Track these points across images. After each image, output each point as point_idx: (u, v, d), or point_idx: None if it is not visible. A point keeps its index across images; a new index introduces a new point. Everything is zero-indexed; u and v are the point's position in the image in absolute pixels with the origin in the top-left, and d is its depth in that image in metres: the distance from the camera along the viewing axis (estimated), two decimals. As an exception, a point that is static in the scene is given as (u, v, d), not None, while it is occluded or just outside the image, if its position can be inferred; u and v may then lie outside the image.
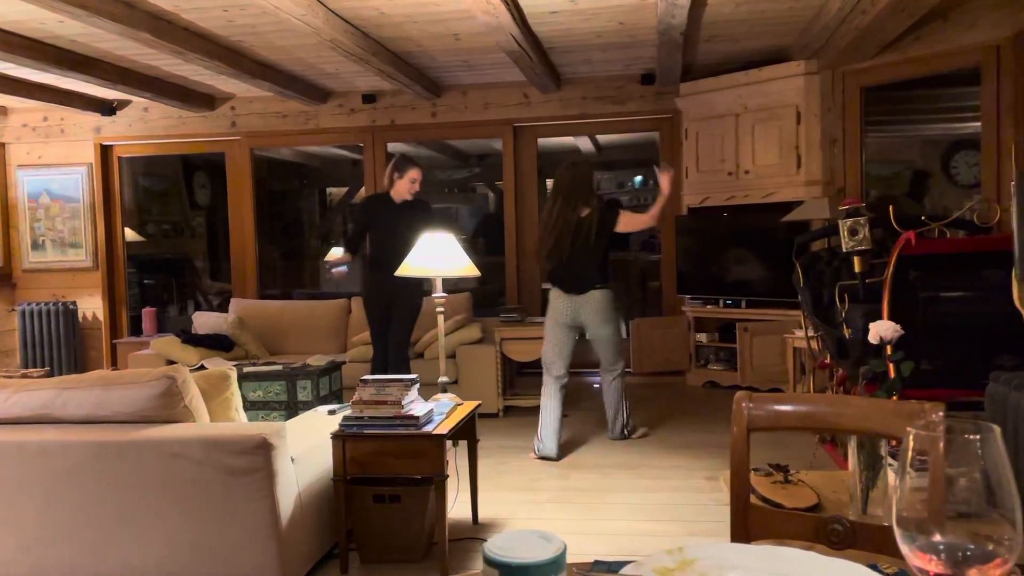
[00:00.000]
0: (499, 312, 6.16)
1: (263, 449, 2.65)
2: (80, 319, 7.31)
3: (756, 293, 6.13)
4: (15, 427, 2.79)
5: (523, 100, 6.83)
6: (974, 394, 3.07)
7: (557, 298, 4.66)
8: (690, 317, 6.52)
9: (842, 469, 3.41)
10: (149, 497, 2.69)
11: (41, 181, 7.33)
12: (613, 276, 4.81)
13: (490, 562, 0.81)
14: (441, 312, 4.02)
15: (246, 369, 4.98)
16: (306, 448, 3.02)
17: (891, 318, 3.15)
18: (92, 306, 7.35)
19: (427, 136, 7.53)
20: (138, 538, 2.70)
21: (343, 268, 5.32)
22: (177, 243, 9.64)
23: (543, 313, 6.79)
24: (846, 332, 3.62)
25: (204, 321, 6.21)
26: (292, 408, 4.84)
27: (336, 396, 5.23)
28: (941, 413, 1.23)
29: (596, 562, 1.05)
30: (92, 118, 7.17)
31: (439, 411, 3.26)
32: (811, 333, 4.49)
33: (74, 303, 7.21)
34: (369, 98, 6.95)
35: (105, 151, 7.35)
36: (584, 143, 9.30)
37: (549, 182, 8.26)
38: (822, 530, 1.28)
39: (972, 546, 0.67)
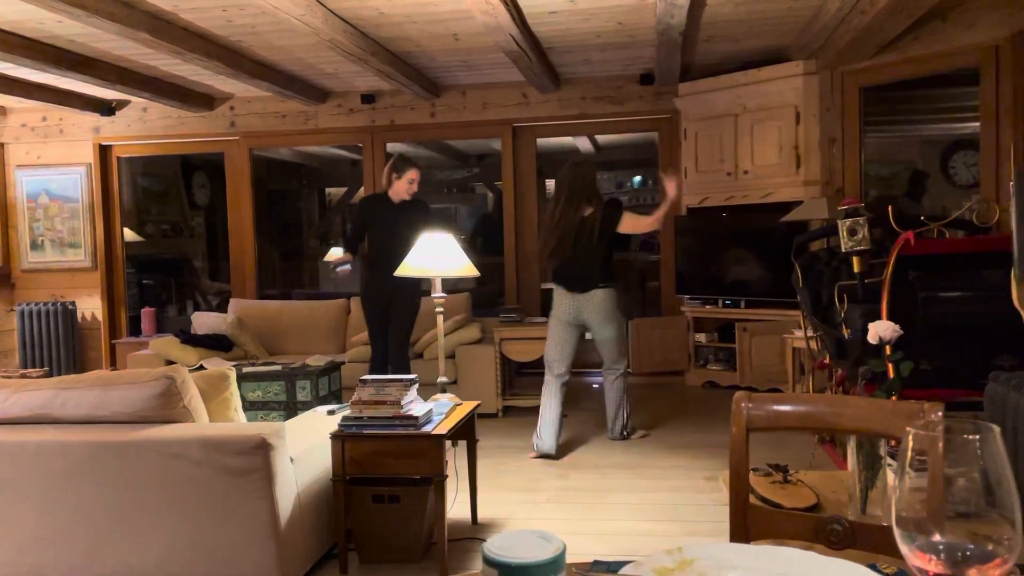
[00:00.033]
0: (498, 312, 6.16)
1: (262, 449, 2.64)
2: (79, 319, 7.30)
3: (755, 293, 6.13)
4: (14, 427, 2.78)
5: (522, 100, 6.83)
6: (973, 394, 3.08)
7: (561, 296, 4.68)
8: (689, 317, 6.52)
9: (841, 469, 3.41)
10: (148, 497, 2.69)
11: (40, 181, 7.32)
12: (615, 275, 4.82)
13: (489, 562, 0.81)
14: (440, 312, 4.02)
15: (245, 369, 4.98)
16: (305, 448, 3.01)
17: (890, 318, 3.15)
18: (91, 306, 7.34)
19: (426, 136, 7.53)
20: (137, 538, 2.70)
21: (347, 267, 5.31)
22: (176, 243, 9.64)
23: (542, 313, 6.82)
24: (845, 332, 3.62)
25: (203, 321, 6.21)
26: (291, 408, 4.84)
27: (335, 396, 5.23)
28: (940, 413, 1.23)
29: (595, 562, 1.04)
30: (91, 118, 7.16)
31: (438, 411, 3.26)
32: (810, 333, 4.49)
33: (73, 303, 7.21)
34: (368, 98, 6.95)
35: (104, 151, 7.35)
36: (583, 143, 9.30)
37: (548, 182, 8.29)
38: (821, 530, 1.28)
39: (971, 546, 0.67)
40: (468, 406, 3.50)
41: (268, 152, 9.12)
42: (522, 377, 6.61)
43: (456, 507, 3.56)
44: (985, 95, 4.94)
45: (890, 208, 3.51)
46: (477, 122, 6.95)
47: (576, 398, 6.07)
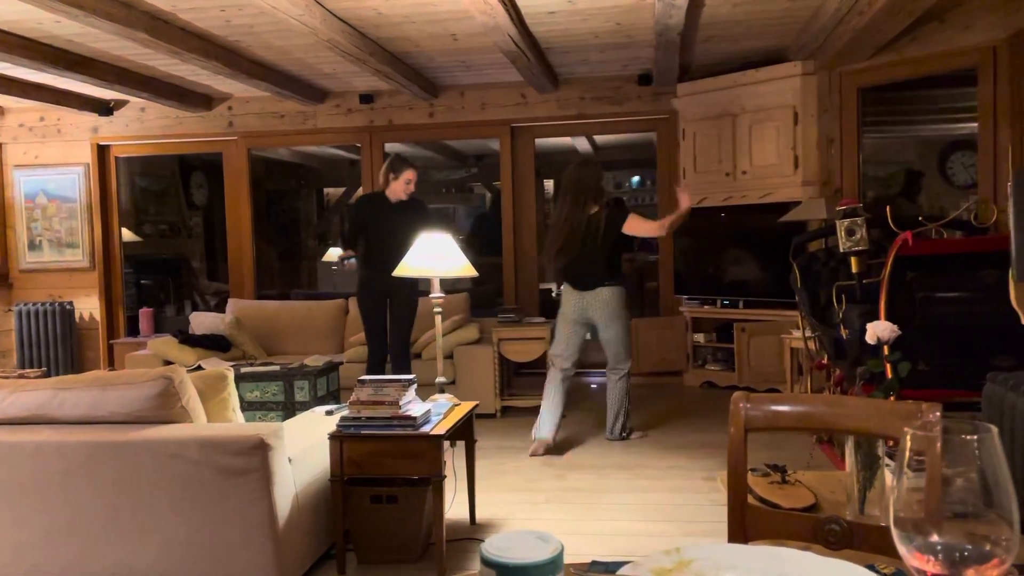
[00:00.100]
0: (497, 312, 6.16)
1: (260, 450, 2.64)
2: (77, 319, 7.29)
3: (753, 293, 6.14)
4: (11, 427, 2.78)
5: (520, 100, 6.83)
6: (971, 394, 3.08)
7: (568, 294, 4.76)
8: (687, 317, 6.52)
9: (839, 469, 3.41)
10: (146, 498, 2.68)
11: (38, 181, 7.31)
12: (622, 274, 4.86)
13: (487, 562, 0.80)
14: (439, 312, 4.02)
15: (243, 369, 4.98)
16: (303, 448, 3.01)
17: (888, 318, 3.15)
18: (89, 306, 7.33)
19: (424, 136, 7.53)
20: (135, 538, 2.70)
21: (352, 260, 5.29)
22: (174, 243, 9.63)
23: (541, 313, 6.83)
24: (843, 332, 3.62)
25: (201, 321, 6.20)
26: (289, 408, 4.83)
27: (333, 396, 5.23)
28: (938, 413, 1.23)
29: (593, 562, 1.04)
30: (89, 118, 7.15)
31: (436, 411, 3.26)
32: (808, 333, 4.50)
33: (71, 303, 7.20)
34: (366, 98, 6.94)
35: (102, 151, 7.34)
36: (581, 143, 9.30)
37: (547, 183, 8.30)
38: (819, 530, 1.28)
39: (969, 546, 0.67)
40: (466, 406, 3.50)
41: (266, 152, 9.12)
42: (520, 377, 6.61)
43: (454, 507, 3.56)
44: (983, 96, 4.94)
45: (888, 208, 3.51)
46: (475, 122, 6.95)
47: (575, 398, 6.06)
